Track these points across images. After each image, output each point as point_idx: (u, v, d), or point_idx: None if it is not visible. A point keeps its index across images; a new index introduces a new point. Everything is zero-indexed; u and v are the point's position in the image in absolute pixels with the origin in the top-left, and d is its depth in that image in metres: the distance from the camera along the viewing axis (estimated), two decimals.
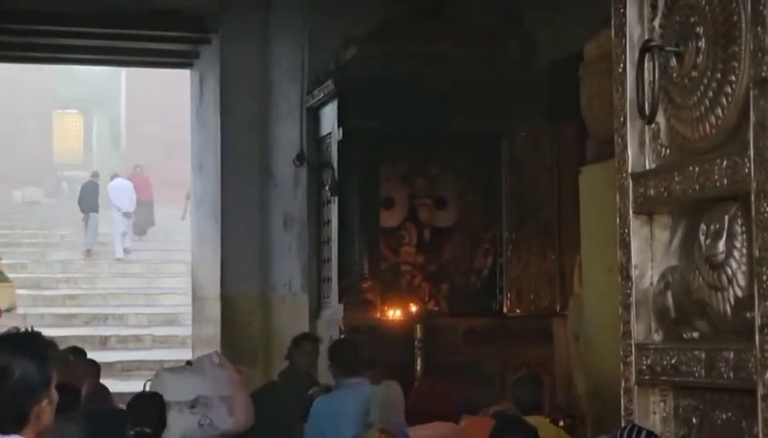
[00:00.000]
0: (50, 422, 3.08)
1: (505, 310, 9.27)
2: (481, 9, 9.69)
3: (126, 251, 21.68)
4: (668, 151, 2.94)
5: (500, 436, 5.17)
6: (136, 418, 6.19)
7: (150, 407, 6.27)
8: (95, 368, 8.49)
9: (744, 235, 2.64)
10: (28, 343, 3.07)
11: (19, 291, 18.14)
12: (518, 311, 9.16)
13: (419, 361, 8.41)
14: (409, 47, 9.27)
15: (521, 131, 9.38)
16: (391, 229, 9.67)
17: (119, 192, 22.52)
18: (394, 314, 9.07)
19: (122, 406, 6.82)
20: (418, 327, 8.51)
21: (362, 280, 9.27)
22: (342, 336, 8.70)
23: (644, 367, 2.95)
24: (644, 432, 5.44)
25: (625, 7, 3.01)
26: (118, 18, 11.27)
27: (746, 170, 2.57)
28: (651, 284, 3.00)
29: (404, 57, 9.19)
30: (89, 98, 32.73)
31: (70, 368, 7.06)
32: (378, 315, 9.15)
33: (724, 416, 2.73)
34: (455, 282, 9.67)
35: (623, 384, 3.04)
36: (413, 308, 8.93)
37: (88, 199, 22.76)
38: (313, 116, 10.09)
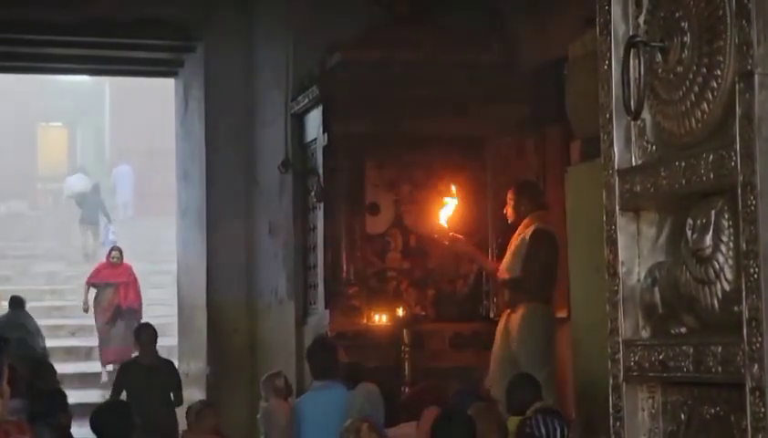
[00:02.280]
0: (1, 415, 3.07)
1: (492, 315, 9.28)
2: (464, 14, 9.73)
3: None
4: (654, 146, 2.94)
5: (442, 427, 5.24)
6: (101, 430, 6.15)
7: (114, 418, 6.23)
8: None
9: (731, 229, 2.64)
10: None
11: (4, 303, 18.08)
12: None
13: (406, 366, 8.41)
14: (394, 53, 9.30)
15: (505, 135, 9.41)
16: (377, 235, 9.67)
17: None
18: (380, 319, 9.08)
19: None
20: (405, 332, 8.51)
21: (348, 286, 9.27)
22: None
23: (632, 363, 2.95)
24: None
25: (610, 4, 3.02)
26: (102, 27, 11.28)
27: (732, 163, 2.57)
28: (638, 280, 3.00)
29: (388, 63, 9.21)
30: (74, 110, 32.72)
31: None
32: (365, 321, 9.17)
33: (713, 411, 2.73)
34: (441, 287, 9.68)
35: (611, 381, 3.03)
36: (400, 314, 8.93)
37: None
38: (298, 122, 10.10)
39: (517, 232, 8.52)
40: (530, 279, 8.27)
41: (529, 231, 8.34)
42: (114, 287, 16.24)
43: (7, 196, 29.31)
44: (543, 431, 5.88)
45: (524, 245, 8.33)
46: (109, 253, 17.04)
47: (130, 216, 26.32)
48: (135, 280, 16.54)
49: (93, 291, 16.67)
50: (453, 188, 9.01)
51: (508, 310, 8.45)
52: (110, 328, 15.93)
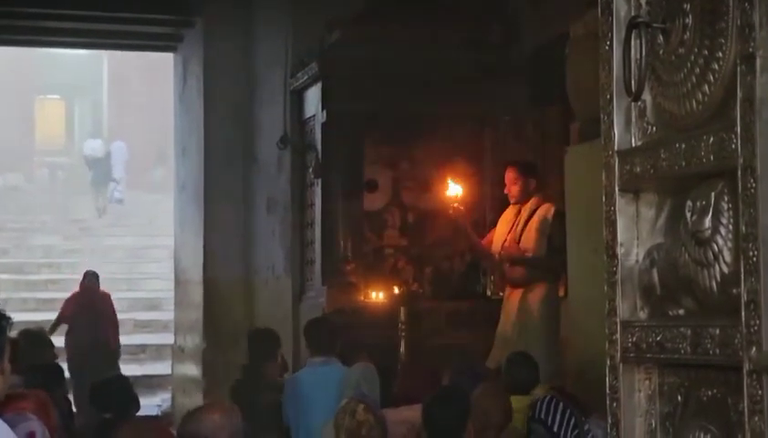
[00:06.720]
0: (2, 392, 3.07)
1: (489, 293, 9.29)
2: None
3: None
4: (654, 128, 2.93)
5: (435, 406, 5.21)
6: (101, 403, 6.15)
7: (113, 391, 6.23)
8: None
9: (730, 212, 2.64)
10: None
11: (1, 276, 18.13)
12: (501, 294, 9.16)
13: (402, 344, 8.42)
14: (394, 31, 9.29)
15: (504, 115, 9.41)
16: (375, 212, 9.69)
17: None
18: (377, 296, 9.09)
19: None
20: (401, 309, 8.51)
21: (346, 263, 9.29)
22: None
23: (629, 344, 2.95)
24: (561, 405, 5.49)
25: None
26: (101, 1, 11.24)
27: (733, 146, 2.57)
28: (637, 261, 2.99)
29: (388, 41, 9.20)
30: (71, 83, 32.66)
31: None
32: (362, 297, 9.18)
33: (710, 393, 2.73)
34: (439, 265, 9.70)
35: (608, 362, 3.03)
36: (396, 291, 8.93)
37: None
38: (297, 99, 10.10)
39: (526, 211, 8.41)
40: (554, 259, 8.22)
41: (550, 211, 8.27)
42: (86, 322, 13.29)
43: (4, 169, 29.28)
44: (557, 417, 5.62)
45: (547, 225, 8.25)
46: (83, 279, 14.01)
47: (121, 194, 27.05)
48: (113, 313, 13.72)
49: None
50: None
51: (520, 289, 8.37)
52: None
